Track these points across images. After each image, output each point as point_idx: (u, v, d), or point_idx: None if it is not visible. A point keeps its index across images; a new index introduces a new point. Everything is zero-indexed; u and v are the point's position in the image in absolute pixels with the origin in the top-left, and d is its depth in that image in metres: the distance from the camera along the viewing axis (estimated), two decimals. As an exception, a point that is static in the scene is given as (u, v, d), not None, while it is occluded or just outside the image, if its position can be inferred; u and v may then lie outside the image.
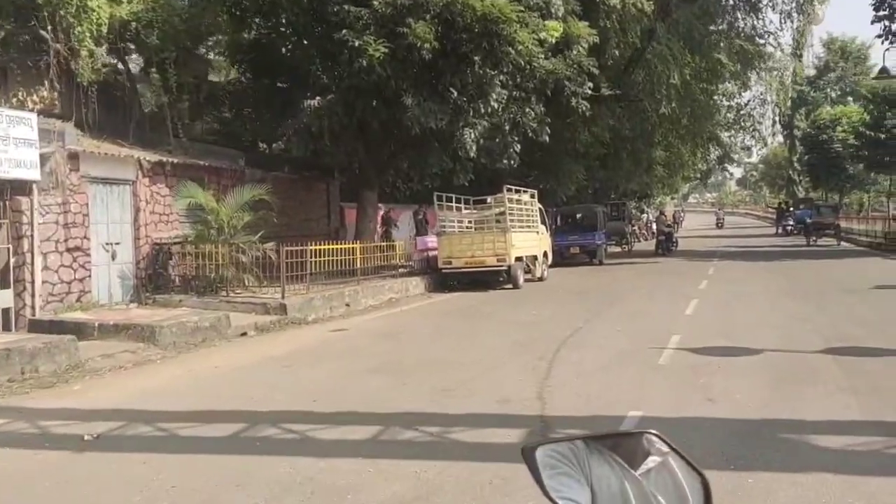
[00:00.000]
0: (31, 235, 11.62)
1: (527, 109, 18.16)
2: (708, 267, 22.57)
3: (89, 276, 12.82)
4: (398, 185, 22.31)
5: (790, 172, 64.93)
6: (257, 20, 16.78)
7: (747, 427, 5.64)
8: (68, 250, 12.39)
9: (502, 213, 18.45)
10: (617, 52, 23.20)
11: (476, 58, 15.63)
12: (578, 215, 28.03)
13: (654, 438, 1.36)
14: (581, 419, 5.97)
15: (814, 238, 34.51)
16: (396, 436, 5.72)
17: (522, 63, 16.43)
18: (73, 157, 12.52)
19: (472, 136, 16.50)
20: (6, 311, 11.14)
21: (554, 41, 17.69)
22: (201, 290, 13.67)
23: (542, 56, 17.19)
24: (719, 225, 61.98)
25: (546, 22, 17.26)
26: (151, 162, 14.31)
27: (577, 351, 9.23)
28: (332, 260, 15.13)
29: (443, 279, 18.33)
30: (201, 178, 15.37)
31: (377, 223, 20.36)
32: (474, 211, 20.19)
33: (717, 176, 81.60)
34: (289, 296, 13.14)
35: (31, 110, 12.56)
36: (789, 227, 44.23)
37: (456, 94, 15.96)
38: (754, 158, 76.75)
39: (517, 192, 19.64)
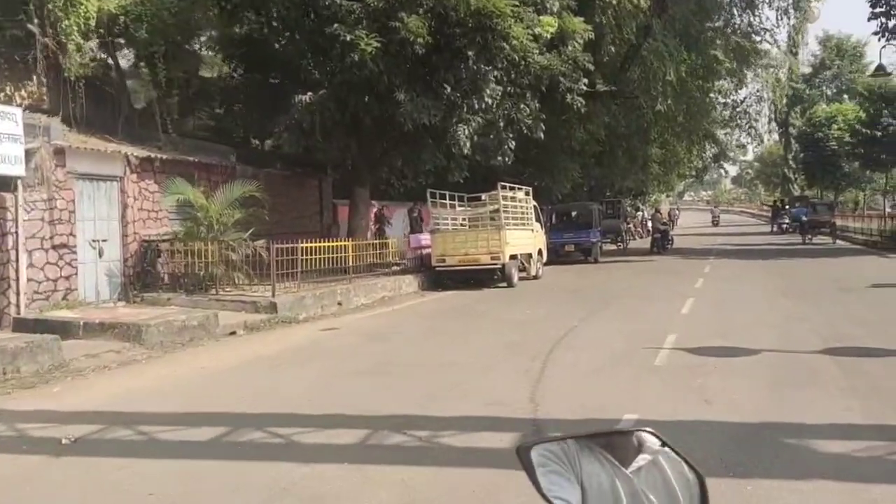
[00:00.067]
0: (16, 232, 11.39)
1: (521, 106, 17.97)
2: (704, 265, 22.45)
3: (76, 273, 12.61)
4: (392, 182, 22.12)
5: (785, 170, 64.98)
6: (248, 14, 16.53)
7: (746, 431, 5.48)
8: (54, 247, 12.17)
9: (497, 211, 18.28)
10: (613, 49, 23.02)
11: (470, 53, 15.43)
12: (573, 213, 27.87)
13: (646, 436, 1.35)
14: (574, 423, 5.80)
15: (809, 236, 34.47)
16: (384, 440, 5.54)
17: (517, 58, 16.24)
18: (59, 152, 12.30)
19: (466, 132, 16.30)
20: (-10, 309, 10.95)
21: (549, 37, 17.50)
22: (190, 288, 13.46)
23: (537, 51, 17.00)
24: (715, 223, 62.00)
25: (541, 17, 17.06)
26: (140, 158, 14.09)
27: (571, 351, 9.07)
28: (324, 258, 14.94)
29: (436, 277, 18.14)
30: (191, 174, 15.16)
31: (370, 220, 20.18)
32: (468, 208, 20.00)
33: (712, 174, 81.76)
34: (279, 294, 12.95)
35: (19, 105, 12.33)
36: (785, 226, 44.19)
37: (449, 89, 15.75)
38: (750, 156, 76.86)
39: (512, 189, 19.46)
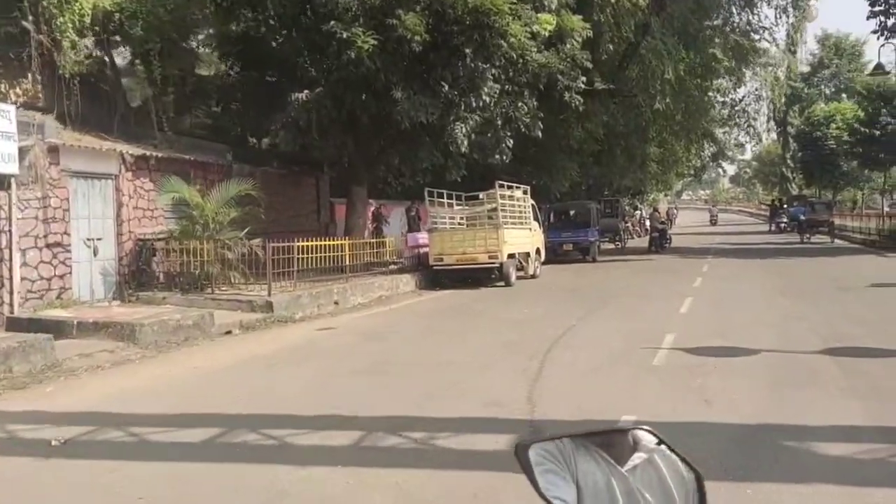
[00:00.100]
0: (10, 231, 11.32)
1: (519, 104, 17.87)
2: (702, 264, 22.40)
3: (70, 272, 12.51)
4: (390, 180, 22.00)
5: (783, 169, 64.98)
6: (245, 12, 16.43)
7: (746, 433, 5.41)
8: (48, 246, 12.08)
9: (494, 210, 18.20)
10: (611, 47, 22.98)
11: (467, 50, 15.34)
12: (572, 212, 27.81)
13: (642, 434, 1.35)
14: (572, 424, 5.72)
15: (807, 235, 34.45)
16: (379, 442, 5.45)
17: (515, 56, 16.16)
18: (53, 150, 12.20)
19: (464, 130, 16.22)
20: (-17, 308, 10.85)
21: (547, 34, 17.42)
22: (186, 287, 13.37)
23: (535, 49, 16.93)
24: (713, 222, 61.99)
25: (539, 15, 16.99)
26: (135, 156, 14.00)
27: (569, 351, 8.99)
28: (321, 257, 14.86)
29: (434, 276, 18.06)
30: (187, 172, 15.06)
31: (367, 219, 20.08)
32: (466, 207, 19.92)
33: (710, 173, 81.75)
34: (275, 293, 12.86)
35: (14, 103, 12.23)
36: (783, 225, 44.18)
37: (447, 87, 15.66)
38: (748, 155, 76.93)
39: (510, 188, 19.38)
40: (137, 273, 13.89)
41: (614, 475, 1.30)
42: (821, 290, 14.81)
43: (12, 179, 11.24)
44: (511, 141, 18.25)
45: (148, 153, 14.34)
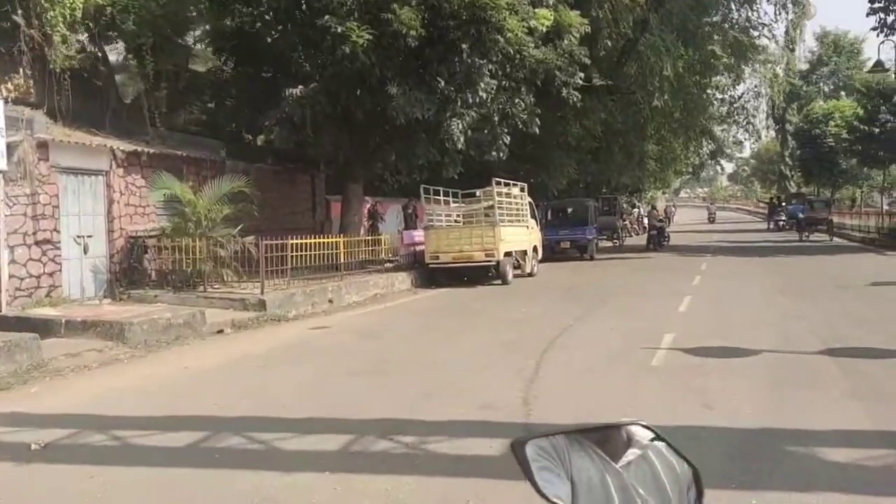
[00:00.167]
0: (-2, 227, 11.12)
1: (516, 100, 17.70)
2: (700, 262, 22.25)
3: (60, 270, 12.32)
4: (386, 177, 21.82)
5: (782, 167, 64.87)
6: (239, 7, 16.23)
7: (747, 437, 5.25)
8: (37, 243, 11.89)
9: (491, 207, 18.02)
10: (609, 43, 22.79)
11: (464, 46, 15.16)
12: (569, 209, 27.65)
13: (636, 430, 1.36)
14: (568, 427, 5.55)
15: (806, 233, 34.36)
16: (369, 447, 5.28)
17: (512, 52, 15.99)
18: (43, 145, 12.00)
19: (460, 127, 16.04)
20: (-30, 307, 10.66)
21: (544, 30, 17.25)
22: (178, 285, 13.19)
23: (533, 45, 16.75)
24: (711, 220, 61.91)
25: (536, 10, 16.82)
26: (126, 152, 13.80)
27: (566, 351, 8.83)
28: (315, 254, 14.66)
29: (430, 274, 17.88)
30: (179, 169, 14.87)
31: (363, 217, 19.91)
32: (463, 205, 19.74)
33: (708, 170, 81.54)
34: (269, 291, 12.69)
35: (5, 99, 12.02)
36: (781, 223, 44.08)
37: (443, 83, 15.48)
38: (746, 153, 76.85)
39: (507, 185, 19.22)
40: (129, 271, 13.70)
41: (608, 471, 1.30)
42: (820, 288, 14.68)
43: (0, 175, 11.04)
44: (508, 138, 18.08)
45: (139, 149, 14.15)
